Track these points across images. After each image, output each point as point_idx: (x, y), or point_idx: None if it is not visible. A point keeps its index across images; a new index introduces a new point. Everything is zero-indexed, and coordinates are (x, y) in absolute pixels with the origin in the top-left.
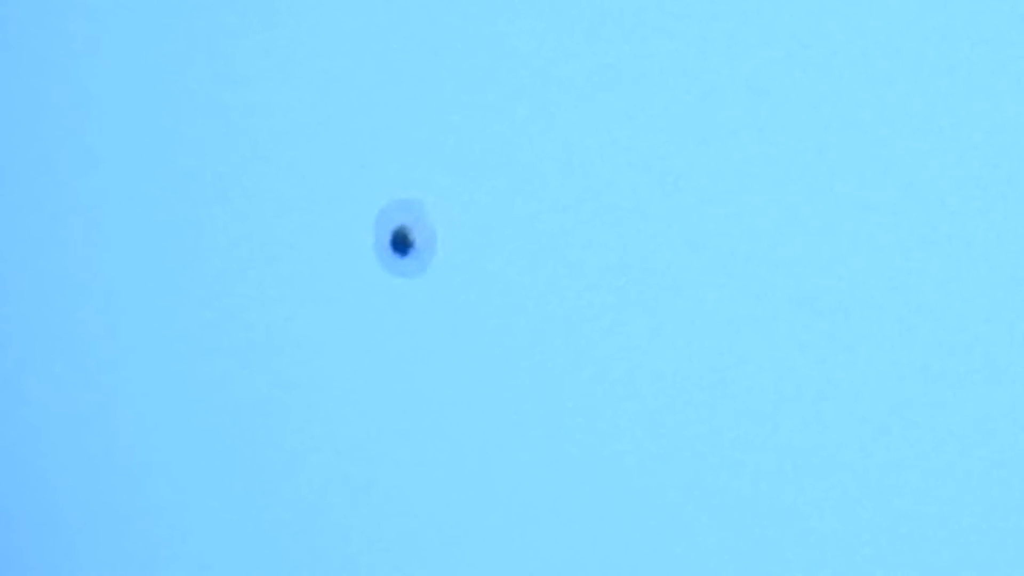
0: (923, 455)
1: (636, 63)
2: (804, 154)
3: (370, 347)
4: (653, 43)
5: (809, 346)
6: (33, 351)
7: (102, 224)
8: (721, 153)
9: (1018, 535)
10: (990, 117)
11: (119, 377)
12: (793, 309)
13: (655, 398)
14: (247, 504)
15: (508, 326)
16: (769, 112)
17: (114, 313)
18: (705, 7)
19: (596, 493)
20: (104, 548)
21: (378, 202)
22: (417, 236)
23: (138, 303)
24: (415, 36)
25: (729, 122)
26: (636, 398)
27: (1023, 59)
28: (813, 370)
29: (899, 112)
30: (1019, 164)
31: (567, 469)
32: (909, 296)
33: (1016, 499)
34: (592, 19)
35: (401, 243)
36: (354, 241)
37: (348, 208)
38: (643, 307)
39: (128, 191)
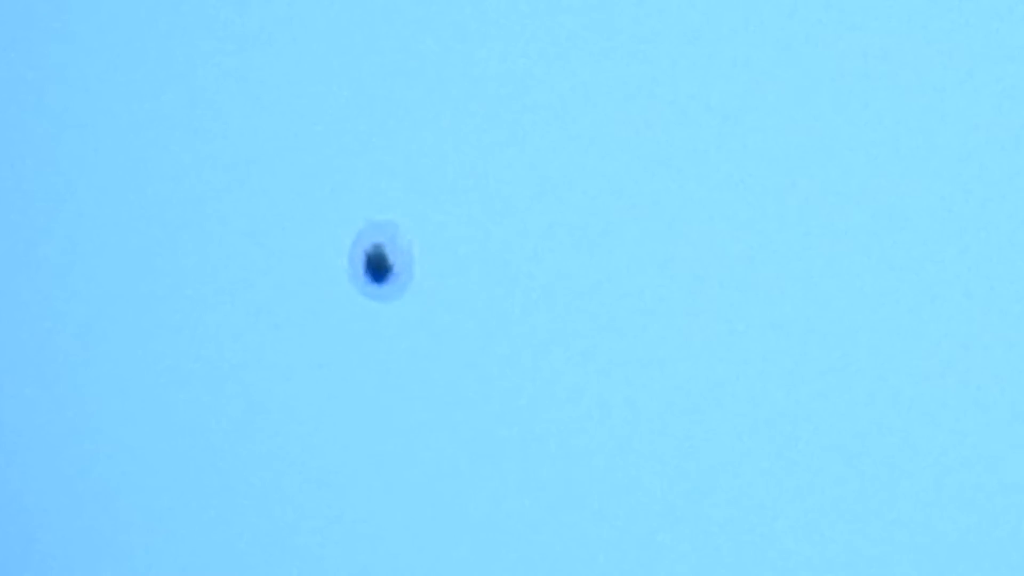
0: (916, 475)
1: (611, 83)
2: (779, 179)
3: (347, 372)
4: (626, 66)
5: (787, 376)
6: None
7: (76, 242)
8: (700, 177)
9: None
10: (989, 123)
11: (91, 402)
12: (769, 341)
13: (638, 425)
14: (221, 530)
15: (488, 350)
16: (744, 142)
17: (85, 336)
18: (678, 32)
19: (574, 518)
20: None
21: (354, 225)
22: (394, 259)
23: (108, 328)
24: (390, 57)
25: (708, 146)
26: (619, 426)
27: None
28: (792, 400)
29: (887, 132)
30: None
31: (550, 499)
32: (904, 317)
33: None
34: (566, 38)
35: (378, 267)
36: (329, 264)
37: (322, 231)
38: (627, 331)
39: (101, 212)
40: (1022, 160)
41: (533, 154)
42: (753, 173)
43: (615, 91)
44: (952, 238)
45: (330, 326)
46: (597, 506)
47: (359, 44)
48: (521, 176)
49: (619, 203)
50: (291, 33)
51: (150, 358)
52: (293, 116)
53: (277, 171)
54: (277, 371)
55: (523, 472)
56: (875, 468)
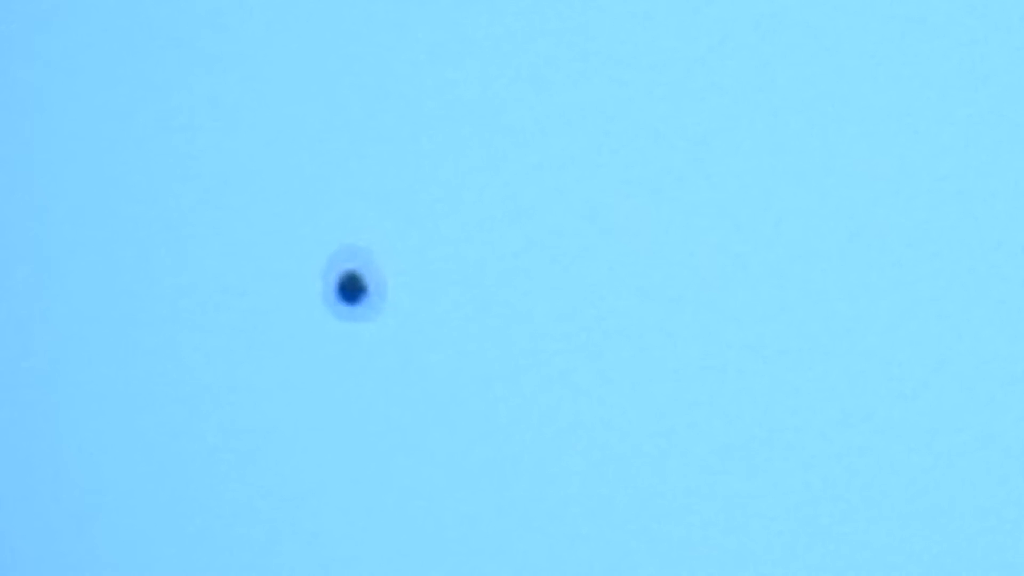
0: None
1: (581, 109)
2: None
3: (320, 394)
4: (598, 92)
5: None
6: None
7: (51, 263)
8: (677, 197)
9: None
10: (985, 125)
11: (62, 422)
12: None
13: (616, 446)
14: (193, 552)
15: (462, 372)
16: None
17: (58, 355)
18: (652, 55)
19: (555, 541)
20: None
21: (328, 247)
22: (368, 281)
23: (80, 347)
24: (364, 82)
25: (687, 167)
26: (598, 447)
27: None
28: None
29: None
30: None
31: (528, 522)
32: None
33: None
34: (536, 65)
35: (352, 289)
36: (302, 286)
37: (296, 253)
38: (603, 351)
39: (75, 228)
40: (1019, 162)
41: (506, 177)
42: (723, 199)
43: (586, 117)
44: (940, 244)
45: (303, 348)
46: (574, 527)
47: (333, 69)
48: (495, 199)
49: (593, 226)
50: (267, 56)
51: (121, 378)
52: (268, 138)
53: (251, 193)
54: (250, 393)
55: (499, 493)
56: (872, 471)
